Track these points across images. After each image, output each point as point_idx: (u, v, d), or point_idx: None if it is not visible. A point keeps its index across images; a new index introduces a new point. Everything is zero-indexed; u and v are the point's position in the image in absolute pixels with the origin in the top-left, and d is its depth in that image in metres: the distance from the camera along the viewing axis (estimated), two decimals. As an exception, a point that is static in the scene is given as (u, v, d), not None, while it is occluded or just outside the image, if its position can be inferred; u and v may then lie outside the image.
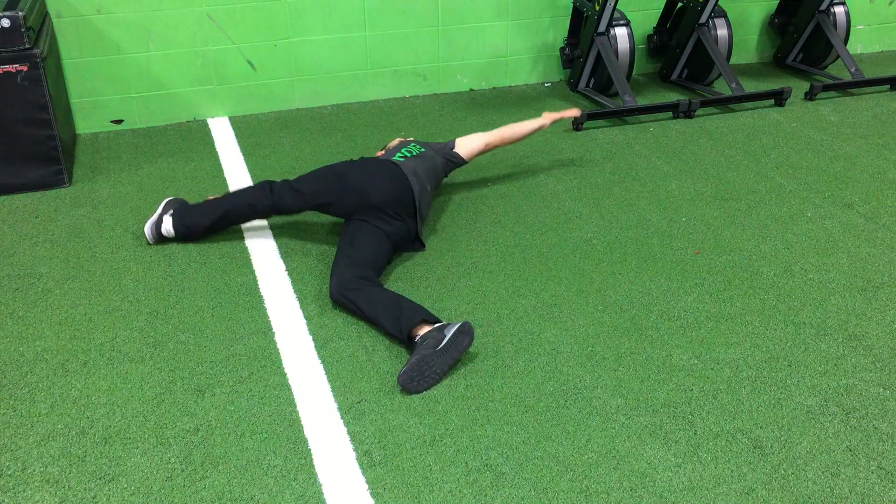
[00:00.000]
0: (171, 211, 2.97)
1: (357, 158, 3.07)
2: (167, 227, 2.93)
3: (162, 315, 2.57)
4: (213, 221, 2.93)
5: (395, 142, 3.37)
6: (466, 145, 3.26)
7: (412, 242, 2.90)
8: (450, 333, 2.26)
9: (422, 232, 2.91)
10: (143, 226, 2.98)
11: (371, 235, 2.72)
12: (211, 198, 3.07)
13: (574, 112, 3.62)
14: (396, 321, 2.37)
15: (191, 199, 3.32)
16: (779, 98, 4.41)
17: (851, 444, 2.03)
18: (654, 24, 4.82)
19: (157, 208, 3.00)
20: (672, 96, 4.57)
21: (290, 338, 2.46)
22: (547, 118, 3.48)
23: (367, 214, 2.76)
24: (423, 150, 3.08)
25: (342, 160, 3.15)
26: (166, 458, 1.99)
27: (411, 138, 3.44)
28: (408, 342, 2.37)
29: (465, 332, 2.30)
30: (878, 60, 5.32)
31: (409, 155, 3.01)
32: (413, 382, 2.20)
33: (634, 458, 1.99)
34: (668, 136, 4.02)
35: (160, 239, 2.96)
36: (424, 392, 2.20)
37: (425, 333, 2.30)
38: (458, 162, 3.24)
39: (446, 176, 3.27)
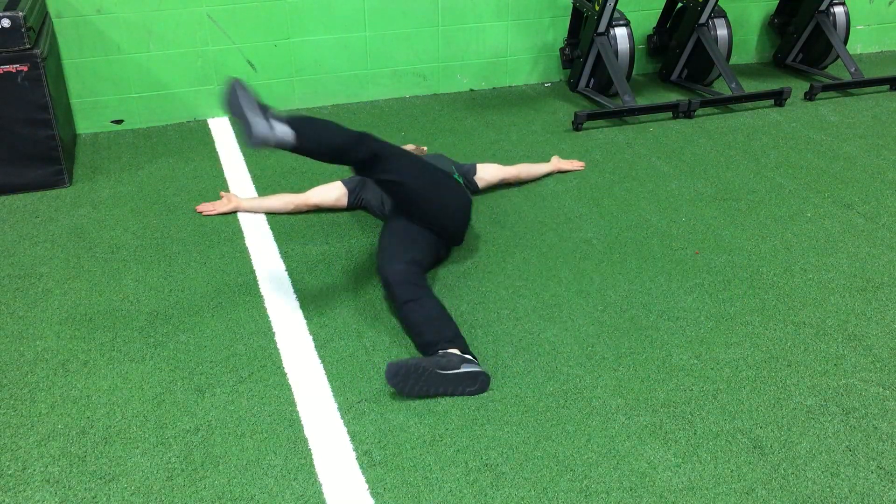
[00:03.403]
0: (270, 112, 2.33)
1: (433, 167, 2.78)
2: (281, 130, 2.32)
3: (162, 315, 2.57)
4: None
5: (410, 147, 3.36)
6: (485, 178, 3.33)
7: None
8: (464, 369, 2.18)
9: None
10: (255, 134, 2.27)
11: (429, 239, 2.69)
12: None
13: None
14: (437, 333, 2.30)
15: (190, 199, 3.34)
16: (778, 98, 4.41)
17: (851, 444, 2.03)
18: (654, 24, 4.82)
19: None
20: (672, 96, 4.57)
21: (290, 338, 2.46)
22: (555, 165, 3.57)
23: (423, 223, 2.69)
24: (459, 179, 3.03)
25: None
26: (166, 458, 2.00)
27: (424, 148, 3.45)
28: (427, 350, 2.30)
29: (478, 380, 2.19)
30: (878, 60, 5.33)
31: (459, 182, 2.97)
32: (397, 378, 2.13)
33: (634, 458, 1.99)
34: (668, 136, 4.02)
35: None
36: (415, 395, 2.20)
37: (447, 352, 2.24)
38: (472, 190, 3.29)
39: None
